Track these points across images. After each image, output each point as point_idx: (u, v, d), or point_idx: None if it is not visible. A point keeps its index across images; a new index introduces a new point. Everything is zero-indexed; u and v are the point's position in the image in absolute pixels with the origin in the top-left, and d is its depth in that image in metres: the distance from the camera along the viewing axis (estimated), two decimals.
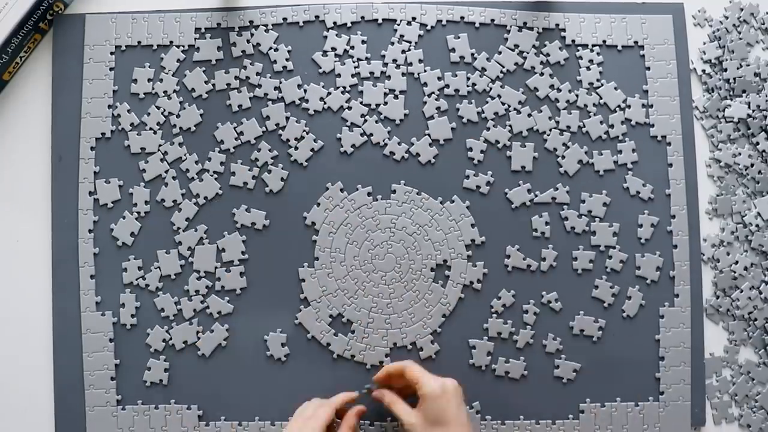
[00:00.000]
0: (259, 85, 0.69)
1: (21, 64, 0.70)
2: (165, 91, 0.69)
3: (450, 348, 0.67)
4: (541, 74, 0.70)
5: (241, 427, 0.66)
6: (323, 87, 0.69)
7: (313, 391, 0.65)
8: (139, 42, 0.70)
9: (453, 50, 0.70)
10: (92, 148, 0.68)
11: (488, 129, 0.69)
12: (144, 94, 0.69)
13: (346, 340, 0.67)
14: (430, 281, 0.67)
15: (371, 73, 0.69)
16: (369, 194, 0.68)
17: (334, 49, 0.70)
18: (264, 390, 0.66)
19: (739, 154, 0.70)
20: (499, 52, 0.70)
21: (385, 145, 0.68)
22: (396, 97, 0.69)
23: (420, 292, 0.67)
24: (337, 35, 0.70)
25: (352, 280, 0.67)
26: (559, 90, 0.69)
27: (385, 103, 0.69)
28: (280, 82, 0.69)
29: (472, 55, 0.70)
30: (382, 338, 0.67)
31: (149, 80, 0.69)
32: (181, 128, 0.69)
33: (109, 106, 0.69)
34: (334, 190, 0.68)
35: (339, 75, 0.69)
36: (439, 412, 0.58)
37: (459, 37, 0.70)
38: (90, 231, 0.67)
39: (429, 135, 0.69)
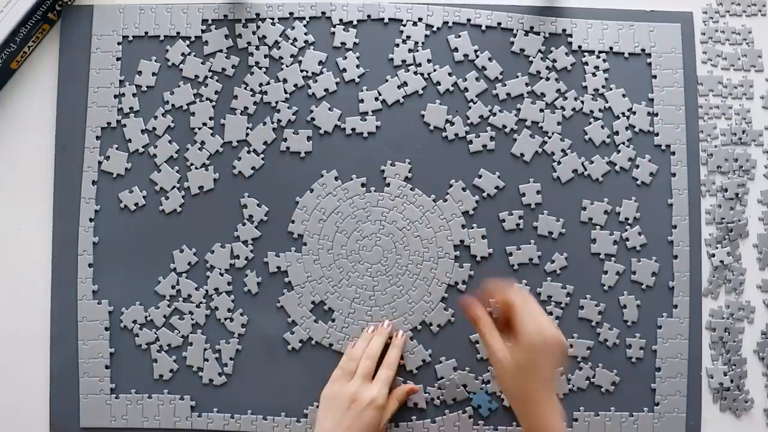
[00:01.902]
0: (268, 82, 0.69)
1: (29, 54, 0.70)
2: (169, 81, 0.69)
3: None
4: (547, 79, 0.69)
5: (233, 419, 0.66)
6: (331, 76, 0.69)
7: (292, 378, 0.66)
8: (146, 33, 0.70)
9: (456, 50, 0.69)
10: (97, 138, 0.69)
11: (487, 133, 0.69)
12: (147, 87, 0.69)
13: (326, 328, 0.67)
14: (415, 278, 0.67)
15: (375, 69, 0.69)
16: (363, 185, 0.68)
17: (343, 44, 0.70)
18: (257, 383, 0.66)
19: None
20: (505, 56, 0.69)
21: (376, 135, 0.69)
22: (406, 95, 0.69)
23: (404, 288, 0.67)
24: (344, 30, 0.70)
25: (338, 269, 0.67)
26: (565, 98, 0.69)
27: (397, 102, 0.69)
28: (286, 66, 0.69)
29: (476, 53, 0.69)
30: (362, 330, 0.67)
31: (153, 74, 0.69)
32: (180, 115, 0.69)
33: (115, 96, 0.69)
34: (328, 178, 0.68)
35: (345, 70, 0.69)
36: (530, 365, 0.54)
37: (459, 36, 0.69)
38: (91, 220, 0.68)
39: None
